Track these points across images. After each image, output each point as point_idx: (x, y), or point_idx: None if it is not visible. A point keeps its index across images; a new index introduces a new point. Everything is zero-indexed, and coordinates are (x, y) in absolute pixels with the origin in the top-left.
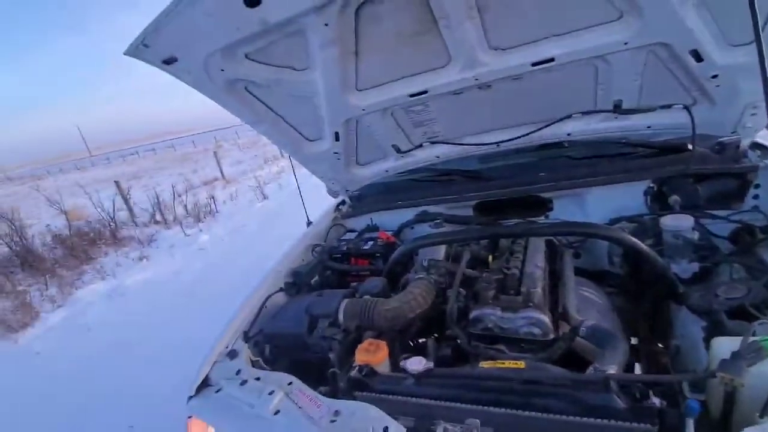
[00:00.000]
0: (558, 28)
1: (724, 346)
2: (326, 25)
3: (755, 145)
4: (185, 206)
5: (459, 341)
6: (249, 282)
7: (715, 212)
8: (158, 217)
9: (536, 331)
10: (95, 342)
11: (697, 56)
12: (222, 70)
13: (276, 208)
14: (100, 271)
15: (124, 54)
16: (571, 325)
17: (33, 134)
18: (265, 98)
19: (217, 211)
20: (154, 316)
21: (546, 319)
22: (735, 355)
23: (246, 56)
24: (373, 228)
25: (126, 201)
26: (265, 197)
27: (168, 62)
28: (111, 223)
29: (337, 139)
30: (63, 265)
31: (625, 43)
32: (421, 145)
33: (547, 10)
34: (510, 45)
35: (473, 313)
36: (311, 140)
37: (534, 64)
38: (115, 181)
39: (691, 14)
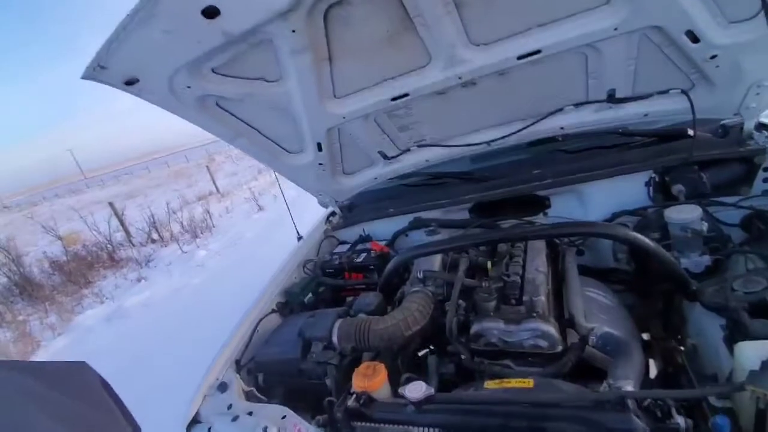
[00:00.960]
0: (542, 17)
1: (751, 352)
2: (294, 31)
3: (761, 126)
4: (181, 223)
5: (462, 357)
6: (248, 295)
7: (723, 199)
8: (155, 236)
9: (543, 343)
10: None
11: (694, 37)
12: (188, 87)
13: (272, 218)
14: (98, 294)
15: (81, 78)
16: (580, 335)
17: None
18: (239, 113)
19: (213, 226)
20: (155, 338)
21: (552, 330)
22: (766, 366)
23: (213, 71)
24: (365, 238)
25: (121, 222)
26: (260, 208)
27: (129, 83)
28: (108, 246)
29: (319, 149)
30: (61, 291)
31: (615, 29)
32: (408, 150)
33: (529, 1)
34: (492, 39)
35: (474, 328)
36: (293, 153)
37: (519, 58)
38: (109, 203)
39: None
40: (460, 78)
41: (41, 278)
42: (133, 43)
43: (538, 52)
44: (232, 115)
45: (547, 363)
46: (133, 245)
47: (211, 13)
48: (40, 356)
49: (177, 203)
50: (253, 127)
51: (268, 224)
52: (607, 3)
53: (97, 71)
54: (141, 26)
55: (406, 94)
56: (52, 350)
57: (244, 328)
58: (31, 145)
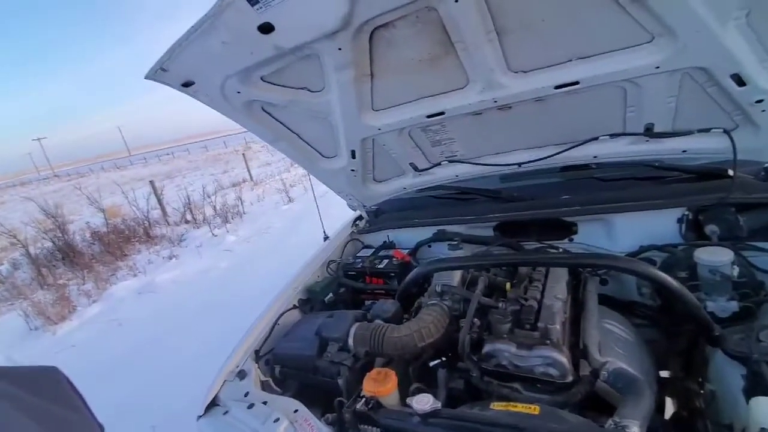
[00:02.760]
0: (583, 50)
1: (767, 409)
2: (340, 49)
3: None
4: (214, 207)
5: (472, 375)
6: (270, 285)
7: (759, 245)
8: (188, 217)
9: (553, 372)
10: (126, 338)
11: (739, 80)
12: (238, 92)
13: (301, 210)
14: (132, 268)
15: (145, 78)
16: (592, 367)
17: (80, 136)
18: (282, 117)
19: (244, 213)
20: (181, 314)
21: (564, 360)
22: None
23: (261, 79)
24: (389, 245)
25: (159, 201)
26: (290, 200)
27: (186, 85)
28: (145, 222)
29: (353, 156)
30: (99, 260)
31: (657, 67)
32: (439, 164)
33: (571, 33)
34: (531, 68)
35: (486, 348)
36: (328, 157)
37: (557, 87)
38: (150, 181)
39: (732, 35)
40: (495, 101)
41: (82, 246)
42: (193, 50)
43: (576, 83)
44: (275, 119)
45: (556, 392)
46: (168, 224)
47: (266, 28)
48: (75, 320)
49: (212, 187)
50: (293, 131)
51: (296, 216)
52: (650, 41)
53: (159, 73)
54: (202, 36)
55: (441, 113)
56: (86, 316)
57: (265, 321)
58: (82, 121)
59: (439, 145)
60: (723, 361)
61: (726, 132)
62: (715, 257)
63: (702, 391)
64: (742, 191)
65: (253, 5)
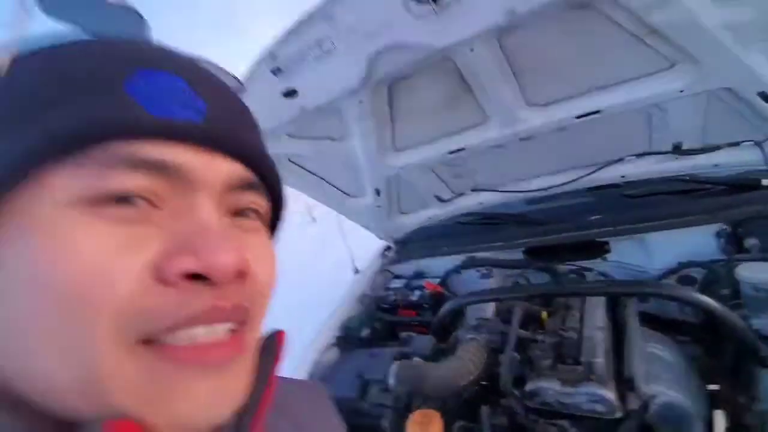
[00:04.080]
0: (602, 81)
1: None
2: (361, 102)
3: None
4: None
5: (516, 413)
6: (303, 315)
7: None
8: None
9: (600, 408)
10: None
11: (766, 97)
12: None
13: (326, 232)
14: None
15: None
16: (641, 401)
17: None
18: (308, 165)
19: None
20: None
21: (611, 396)
22: None
23: (287, 135)
24: (419, 274)
25: None
26: (314, 220)
27: None
28: None
29: (378, 194)
30: None
31: (681, 91)
32: (463, 194)
33: (588, 66)
34: (550, 101)
35: (529, 386)
36: (354, 196)
37: (578, 117)
38: None
39: (755, 57)
40: (515, 134)
41: None
42: None
43: (597, 112)
44: (301, 167)
45: (605, 428)
46: None
47: (290, 93)
48: None
49: None
50: (319, 177)
51: (321, 238)
52: (671, 68)
53: None
54: None
55: (462, 149)
56: None
57: (306, 360)
58: None
59: (461, 177)
60: None
61: (757, 144)
62: (758, 274)
63: (751, 409)
64: None
65: (276, 75)
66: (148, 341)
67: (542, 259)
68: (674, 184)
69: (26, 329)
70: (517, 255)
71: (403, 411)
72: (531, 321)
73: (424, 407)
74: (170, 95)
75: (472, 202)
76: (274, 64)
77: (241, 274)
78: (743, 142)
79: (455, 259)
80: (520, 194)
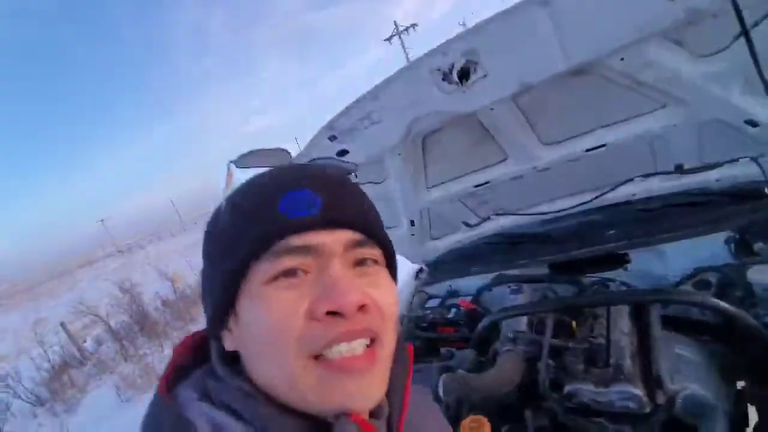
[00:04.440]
0: (605, 120)
1: None
2: (399, 154)
3: None
4: None
5: (557, 414)
6: None
7: None
8: None
9: (632, 405)
10: None
11: (753, 123)
12: None
13: None
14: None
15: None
16: (667, 396)
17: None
18: None
19: None
20: None
21: (640, 393)
22: None
23: None
24: (453, 293)
25: None
26: None
27: None
28: None
29: (412, 224)
30: (173, 326)
31: (675, 125)
32: (488, 218)
33: (592, 110)
34: (561, 139)
35: (567, 388)
36: (390, 227)
37: (587, 150)
38: None
39: (736, 95)
40: (533, 168)
41: (155, 315)
42: None
43: (603, 145)
44: None
45: (638, 422)
46: None
47: (342, 153)
48: None
49: None
50: None
51: None
52: (664, 107)
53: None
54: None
55: (487, 182)
56: None
57: None
58: (140, 197)
59: (486, 204)
60: None
61: (753, 159)
62: (767, 276)
63: None
64: None
65: (332, 141)
66: (316, 357)
67: (567, 273)
68: (683, 198)
69: (261, 354)
70: (543, 270)
71: (453, 419)
72: (562, 330)
73: (473, 414)
74: (301, 203)
75: (496, 225)
76: (331, 133)
77: (363, 308)
78: (741, 158)
79: (484, 278)
80: (541, 216)
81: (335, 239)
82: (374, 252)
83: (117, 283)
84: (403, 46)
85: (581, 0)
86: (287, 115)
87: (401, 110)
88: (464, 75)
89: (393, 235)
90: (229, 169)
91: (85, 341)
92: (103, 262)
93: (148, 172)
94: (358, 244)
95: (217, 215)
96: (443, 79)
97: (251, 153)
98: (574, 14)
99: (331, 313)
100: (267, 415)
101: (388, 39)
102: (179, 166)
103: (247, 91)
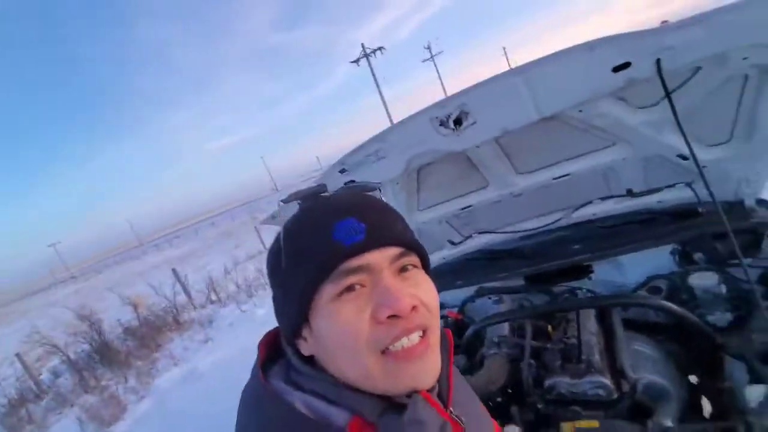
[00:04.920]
0: (568, 154)
1: (755, 392)
2: (397, 184)
3: (761, 202)
4: (236, 283)
5: (539, 406)
6: None
7: (736, 261)
8: (213, 297)
9: (601, 392)
10: (184, 428)
11: (684, 158)
12: None
13: None
14: (170, 357)
15: (261, 223)
16: (630, 384)
17: (92, 233)
18: None
19: (267, 284)
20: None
21: (607, 381)
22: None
23: None
24: (440, 305)
25: (183, 286)
26: None
27: None
28: (173, 309)
29: None
30: (136, 355)
31: (624, 159)
32: (470, 236)
33: (558, 146)
34: (533, 169)
35: (547, 382)
36: None
37: (555, 179)
38: (172, 269)
39: (669, 135)
40: (510, 193)
41: (116, 343)
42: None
43: (567, 174)
44: None
45: (607, 407)
46: (195, 307)
47: (349, 183)
48: (128, 418)
49: (229, 263)
50: None
51: None
52: (613, 145)
53: (269, 220)
54: None
55: (470, 206)
56: (138, 413)
57: None
58: (92, 219)
59: (469, 224)
60: (731, 363)
61: (688, 185)
62: (704, 281)
63: (724, 391)
64: (715, 224)
65: (341, 173)
66: (384, 351)
67: (540, 283)
68: (635, 216)
69: (338, 355)
70: (519, 282)
71: None
72: (540, 334)
73: None
74: (350, 230)
75: (477, 242)
76: (342, 167)
77: (414, 308)
78: (677, 183)
79: (467, 291)
80: (516, 233)
81: (382, 256)
82: (412, 259)
83: (74, 310)
84: (371, 68)
85: (549, 72)
86: (252, 132)
87: (404, 149)
88: (458, 122)
89: None
90: (279, 206)
91: (41, 374)
92: (55, 290)
93: (104, 192)
94: (400, 256)
95: (278, 247)
96: (440, 125)
97: (294, 192)
98: (544, 81)
99: (392, 316)
100: (352, 397)
101: (356, 61)
102: (138, 186)
103: (211, 108)
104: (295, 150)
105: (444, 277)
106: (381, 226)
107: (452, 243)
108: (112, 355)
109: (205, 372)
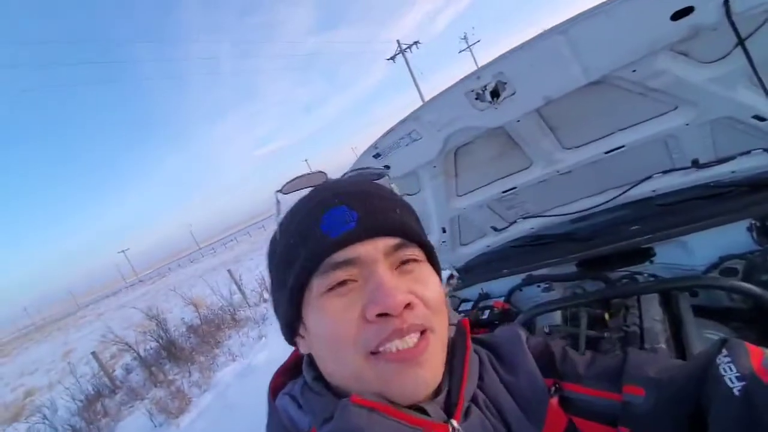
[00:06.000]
0: (621, 124)
1: None
2: (434, 167)
3: None
4: None
5: None
6: None
7: None
8: (266, 296)
9: None
10: (240, 421)
11: (760, 118)
12: None
13: None
14: (229, 353)
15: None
16: None
17: (156, 239)
18: None
19: None
20: None
21: None
22: None
23: None
24: (485, 296)
25: (239, 285)
26: None
27: None
28: (230, 308)
29: (444, 231)
30: (198, 351)
31: (687, 124)
32: (515, 222)
33: (609, 115)
34: (581, 143)
35: None
36: None
37: (607, 152)
38: (228, 270)
39: (743, 92)
40: (557, 172)
41: (181, 341)
42: None
43: (622, 146)
44: None
45: None
46: (249, 305)
47: (385, 168)
48: (194, 410)
49: None
50: None
51: None
52: (674, 109)
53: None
54: None
55: (513, 188)
56: (202, 405)
57: None
58: (156, 226)
59: (513, 208)
60: None
61: (766, 150)
62: None
63: None
64: None
65: (376, 158)
66: (374, 352)
67: (594, 269)
68: (702, 190)
69: (327, 355)
70: (571, 268)
71: None
72: (595, 322)
73: None
74: (339, 220)
75: (523, 228)
76: (376, 151)
77: (408, 306)
78: (753, 150)
79: (514, 279)
80: (566, 216)
81: (374, 247)
82: (414, 251)
83: (143, 311)
84: (408, 63)
85: (596, 27)
86: (296, 137)
87: (439, 128)
88: (495, 94)
89: None
90: (276, 197)
91: (114, 370)
92: (125, 292)
93: (164, 202)
94: (397, 248)
95: (274, 240)
96: (477, 99)
97: (292, 180)
98: (590, 38)
99: (382, 315)
100: (314, 400)
101: (392, 58)
102: (195, 194)
103: (257, 116)
104: (339, 150)
105: (489, 265)
106: (374, 214)
107: (495, 229)
108: (178, 352)
109: (259, 366)
